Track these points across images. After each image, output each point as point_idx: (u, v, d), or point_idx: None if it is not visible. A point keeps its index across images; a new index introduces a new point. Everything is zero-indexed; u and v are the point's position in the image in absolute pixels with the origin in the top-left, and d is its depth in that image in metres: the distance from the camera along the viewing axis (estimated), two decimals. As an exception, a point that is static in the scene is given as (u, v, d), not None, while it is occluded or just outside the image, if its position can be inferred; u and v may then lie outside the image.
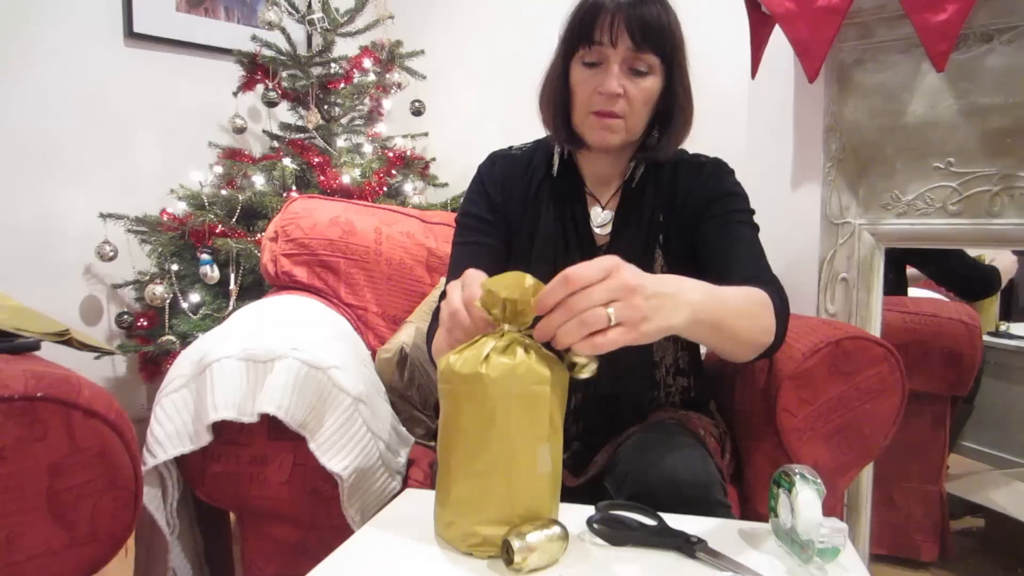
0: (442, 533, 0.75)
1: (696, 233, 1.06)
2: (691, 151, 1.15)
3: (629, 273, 0.67)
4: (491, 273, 0.74)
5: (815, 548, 0.70)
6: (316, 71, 2.24)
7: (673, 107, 1.03)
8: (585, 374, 0.70)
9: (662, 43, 0.97)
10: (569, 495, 0.82)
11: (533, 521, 0.71)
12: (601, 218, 1.10)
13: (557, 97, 1.04)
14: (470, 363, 0.71)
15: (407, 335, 1.36)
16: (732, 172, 1.12)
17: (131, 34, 2.24)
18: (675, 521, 0.78)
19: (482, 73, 2.44)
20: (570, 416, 0.86)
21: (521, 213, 1.10)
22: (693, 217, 1.07)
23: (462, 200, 1.16)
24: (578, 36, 0.99)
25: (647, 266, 1.06)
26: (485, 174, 1.14)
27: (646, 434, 0.99)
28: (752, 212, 1.09)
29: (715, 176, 1.09)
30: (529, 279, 0.71)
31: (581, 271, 0.65)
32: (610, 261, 0.67)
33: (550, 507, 0.75)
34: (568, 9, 1.02)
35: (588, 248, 1.08)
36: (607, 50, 0.97)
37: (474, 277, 0.74)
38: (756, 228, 1.08)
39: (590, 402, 1.06)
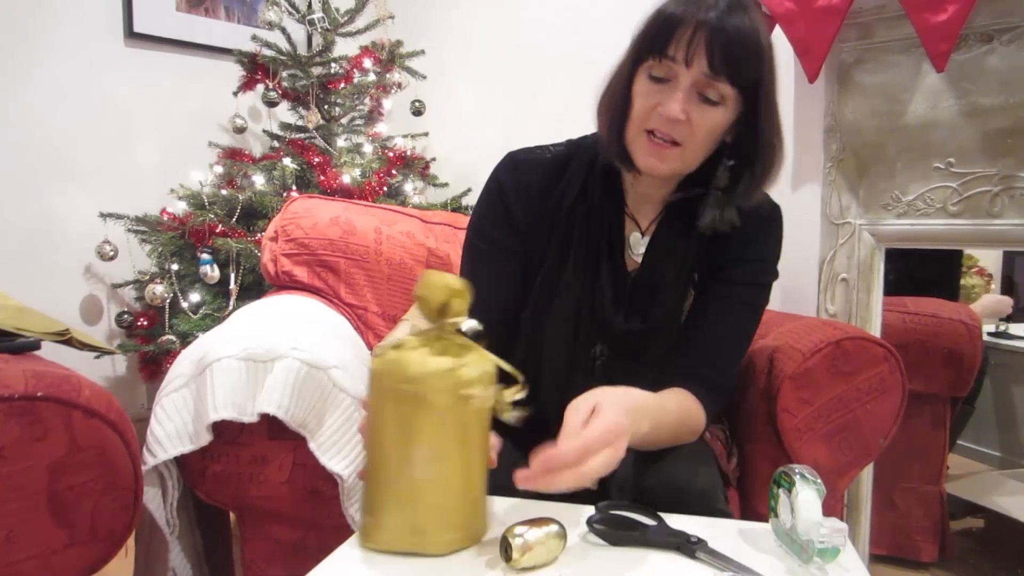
0: (405, 546, 0.72)
1: (705, 279, 1.01)
2: None
3: (624, 443, 0.72)
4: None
5: (815, 548, 0.70)
6: (316, 71, 2.24)
7: (757, 146, 0.90)
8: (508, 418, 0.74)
9: (742, 73, 0.85)
10: (571, 493, 0.82)
11: (473, 521, 0.73)
12: (640, 245, 1.01)
13: (618, 106, 0.92)
14: (397, 363, 0.71)
15: (402, 334, 1.36)
16: (779, 227, 1.04)
17: (131, 34, 2.24)
18: (675, 521, 0.79)
19: (482, 73, 2.44)
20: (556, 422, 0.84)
21: (548, 232, 0.99)
22: (718, 261, 1.01)
23: (474, 208, 1.03)
24: (650, 45, 0.87)
25: (677, 303, 1.01)
26: (506, 181, 0.99)
27: None
28: (771, 279, 1.03)
29: (759, 234, 1.01)
30: (456, 281, 0.71)
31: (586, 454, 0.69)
32: (612, 438, 0.71)
33: (460, 510, 0.73)
34: (647, 11, 0.89)
35: (621, 279, 1.00)
36: (679, 68, 0.85)
37: None
38: (762, 302, 1.02)
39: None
